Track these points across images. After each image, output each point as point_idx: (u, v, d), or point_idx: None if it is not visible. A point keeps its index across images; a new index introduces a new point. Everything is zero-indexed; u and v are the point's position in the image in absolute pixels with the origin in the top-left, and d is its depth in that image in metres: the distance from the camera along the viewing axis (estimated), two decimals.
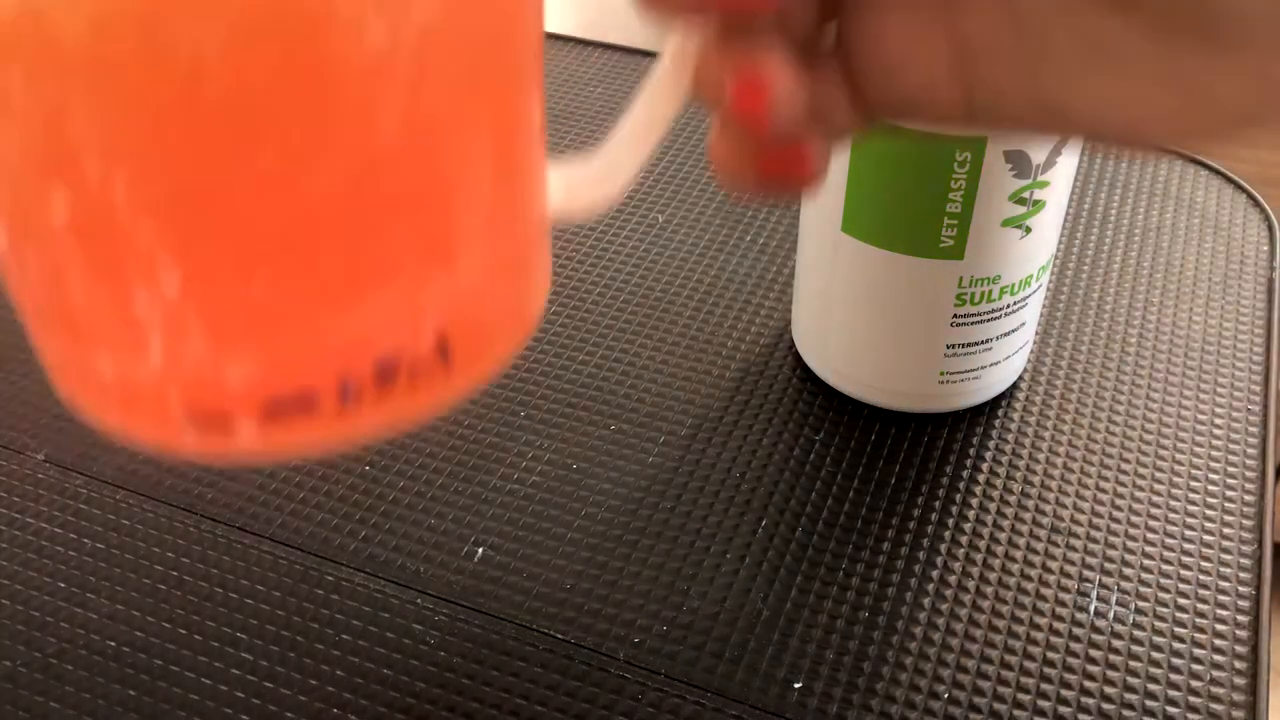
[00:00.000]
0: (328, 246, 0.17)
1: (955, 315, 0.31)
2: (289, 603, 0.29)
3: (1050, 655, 0.28)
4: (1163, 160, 0.46)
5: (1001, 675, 0.27)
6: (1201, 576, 0.29)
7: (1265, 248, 0.41)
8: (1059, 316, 0.38)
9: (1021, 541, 0.30)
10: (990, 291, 0.31)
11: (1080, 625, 0.28)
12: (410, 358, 0.18)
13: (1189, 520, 0.31)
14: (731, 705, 0.27)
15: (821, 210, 0.32)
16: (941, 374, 0.33)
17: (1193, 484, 0.32)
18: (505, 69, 0.18)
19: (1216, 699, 0.27)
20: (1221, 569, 0.30)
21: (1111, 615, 0.29)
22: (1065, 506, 0.31)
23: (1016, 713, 0.26)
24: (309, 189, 0.16)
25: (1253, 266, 0.40)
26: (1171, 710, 0.26)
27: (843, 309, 0.33)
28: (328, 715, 0.26)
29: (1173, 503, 0.31)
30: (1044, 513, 0.31)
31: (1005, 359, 0.33)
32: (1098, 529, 0.31)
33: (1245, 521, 0.31)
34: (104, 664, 0.27)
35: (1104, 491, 0.32)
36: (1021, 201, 0.29)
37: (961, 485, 0.32)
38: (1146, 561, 0.30)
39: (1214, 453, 0.33)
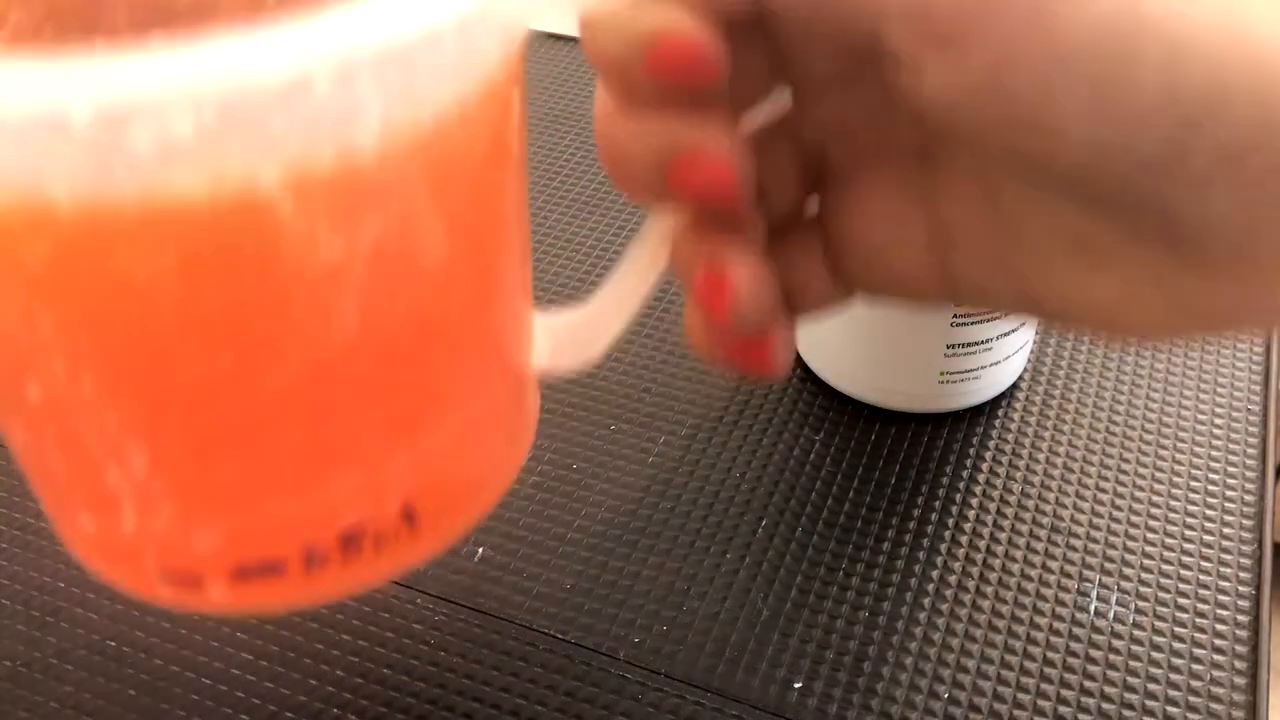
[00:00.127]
0: (288, 434, 0.17)
1: (955, 315, 0.31)
2: None
3: (1050, 655, 0.28)
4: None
5: (1001, 675, 0.27)
6: (1201, 576, 0.29)
7: None
8: None
9: (1021, 541, 0.30)
10: None
11: (1080, 625, 0.28)
12: (375, 527, 0.18)
13: (1189, 520, 0.31)
14: (731, 705, 0.27)
15: None
16: (941, 374, 0.33)
17: (1193, 484, 0.32)
18: (471, 255, 0.18)
19: (1216, 699, 0.27)
20: (1221, 569, 0.30)
21: (1111, 615, 0.29)
22: (1065, 506, 0.31)
23: (1016, 712, 0.26)
24: (267, 386, 0.16)
25: None
26: (1171, 710, 0.26)
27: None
28: (328, 715, 0.26)
29: (1173, 503, 0.31)
30: (1044, 513, 0.31)
31: (1005, 359, 0.33)
32: (1098, 529, 0.31)
33: (1245, 521, 0.31)
34: (104, 664, 0.27)
35: (1104, 491, 0.32)
36: None
37: (961, 485, 0.32)
38: (1146, 561, 0.30)
39: (1214, 453, 0.33)
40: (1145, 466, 0.32)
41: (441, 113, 0.16)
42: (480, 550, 0.30)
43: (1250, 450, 0.33)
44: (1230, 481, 0.32)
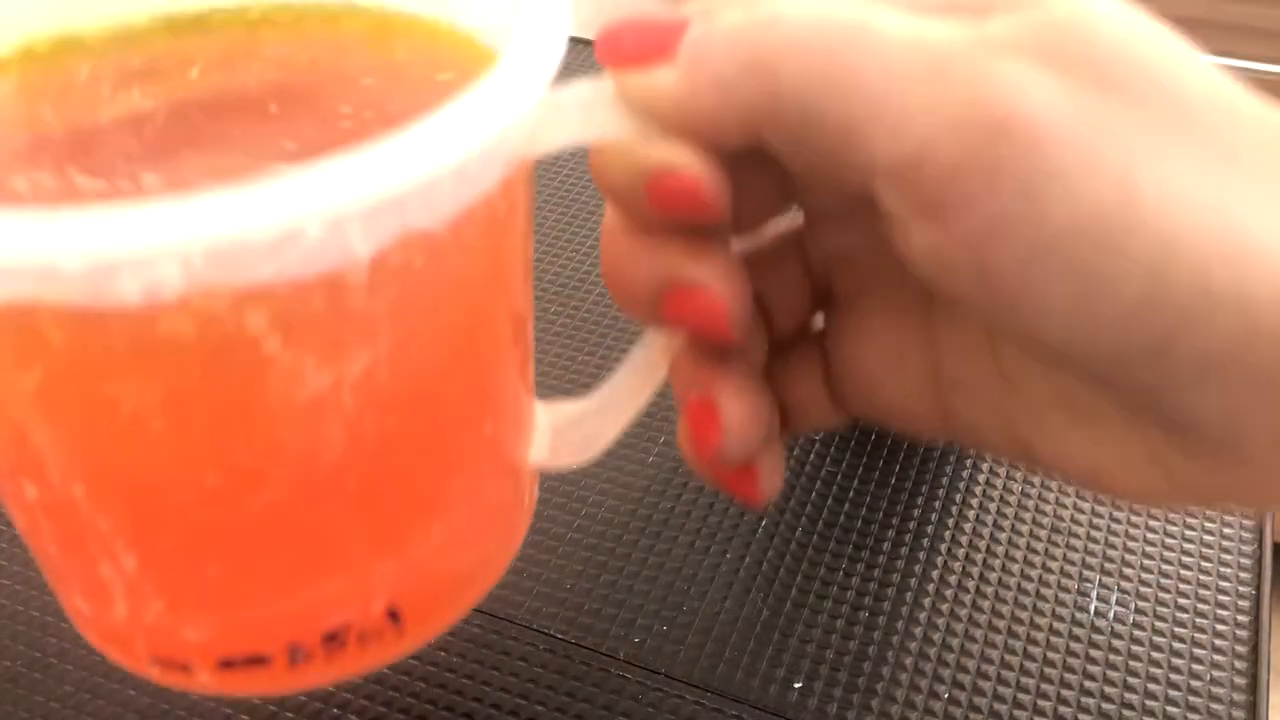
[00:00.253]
0: (273, 545, 0.17)
1: None
2: None
3: (1050, 655, 0.28)
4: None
5: (1002, 675, 0.27)
6: (1201, 576, 0.29)
7: None
8: None
9: (1021, 541, 0.30)
10: None
11: (1080, 625, 0.28)
12: (360, 627, 0.19)
13: (1189, 520, 0.31)
14: (731, 705, 0.27)
15: None
16: None
17: None
18: (467, 371, 0.18)
19: (1216, 699, 0.27)
20: (1221, 569, 0.30)
21: (1111, 615, 0.29)
22: (1065, 506, 0.31)
23: (1016, 713, 0.26)
24: (252, 503, 0.17)
25: None
26: (1171, 710, 0.26)
27: None
28: (328, 715, 0.26)
29: None
30: (1044, 513, 0.31)
31: None
32: (1098, 529, 0.31)
33: (1245, 521, 0.31)
34: (104, 664, 0.27)
35: None
36: None
37: (961, 485, 0.32)
38: (1146, 561, 0.30)
39: None
40: None
41: (435, 243, 0.16)
42: None
43: None
44: None
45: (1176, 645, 0.28)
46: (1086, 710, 0.26)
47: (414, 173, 0.14)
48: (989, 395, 0.19)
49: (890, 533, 0.31)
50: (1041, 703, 0.27)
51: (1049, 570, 0.30)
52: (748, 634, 0.28)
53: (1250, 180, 0.15)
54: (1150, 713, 0.26)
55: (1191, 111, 0.15)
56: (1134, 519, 0.31)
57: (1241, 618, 0.28)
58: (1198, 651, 0.28)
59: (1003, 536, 0.30)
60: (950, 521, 0.31)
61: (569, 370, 0.35)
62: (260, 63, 0.21)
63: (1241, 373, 0.15)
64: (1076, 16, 0.16)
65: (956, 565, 0.30)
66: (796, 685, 0.27)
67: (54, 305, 0.14)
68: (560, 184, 0.43)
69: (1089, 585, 0.29)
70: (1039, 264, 0.15)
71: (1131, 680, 0.27)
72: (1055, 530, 0.31)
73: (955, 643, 0.28)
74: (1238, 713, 0.26)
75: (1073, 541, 0.30)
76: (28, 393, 0.15)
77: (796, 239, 0.21)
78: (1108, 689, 0.27)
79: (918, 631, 0.28)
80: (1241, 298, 0.14)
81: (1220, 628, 0.28)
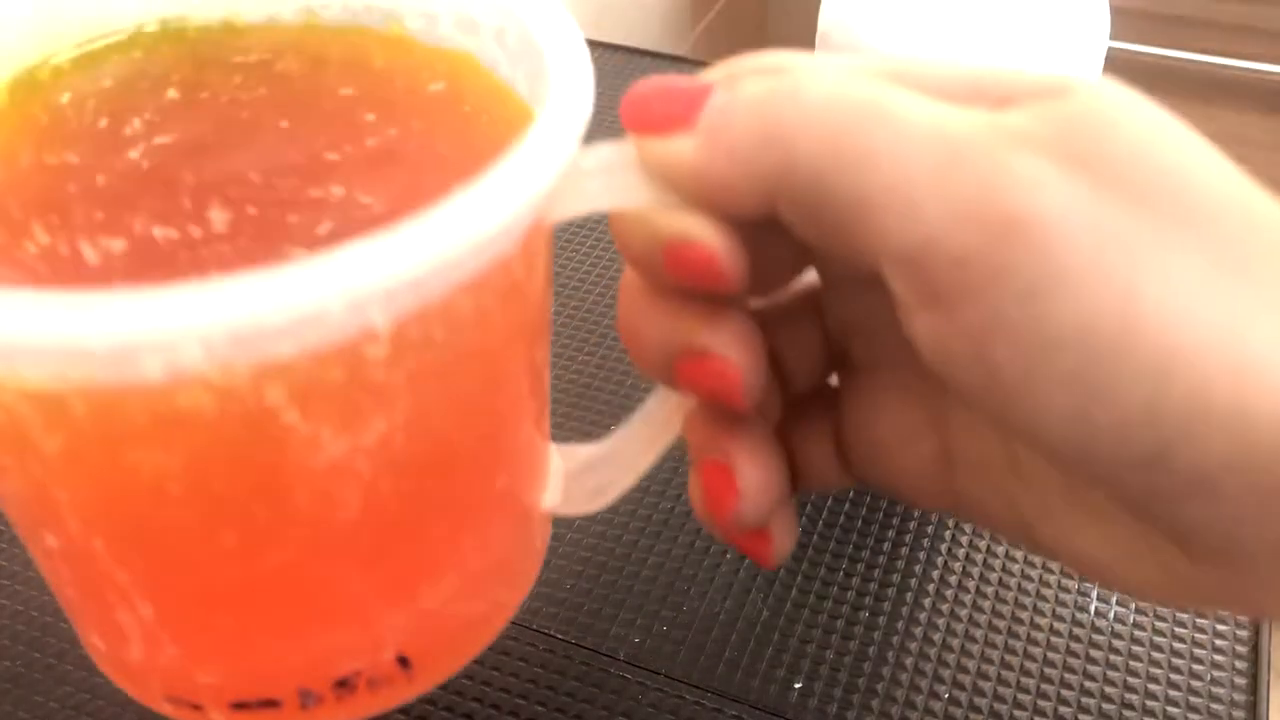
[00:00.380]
0: (286, 598, 0.18)
1: None
2: None
3: (1050, 655, 0.28)
4: None
5: (1002, 675, 0.27)
6: None
7: None
8: None
9: None
10: None
11: (1080, 625, 0.28)
12: (370, 673, 0.19)
13: None
14: (731, 705, 0.27)
15: None
16: None
17: None
18: (483, 430, 0.18)
19: (1216, 699, 0.27)
20: None
21: (1111, 615, 0.29)
22: None
23: (1017, 713, 0.26)
24: (267, 560, 0.17)
25: None
26: (1171, 710, 0.26)
27: None
28: None
29: None
30: None
31: None
32: None
33: None
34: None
35: None
36: None
37: None
38: None
39: None
40: None
41: (454, 312, 0.16)
42: None
43: None
44: None
45: (1176, 645, 0.28)
46: (1086, 710, 0.26)
47: (436, 255, 0.14)
48: (996, 478, 0.19)
49: (890, 533, 0.31)
50: (1041, 703, 0.27)
51: (1049, 570, 0.30)
52: (748, 634, 0.28)
53: (1258, 290, 0.15)
54: (1150, 713, 0.26)
55: (1205, 216, 0.15)
56: None
57: (1241, 618, 0.28)
58: (1198, 651, 0.28)
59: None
60: (950, 521, 0.31)
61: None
62: (276, 83, 0.21)
63: (1240, 485, 0.14)
64: (1097, 112, 0.16)
65: (956, 565, 0.30)
66: (797, 685, 0.27)
67: (78, 381, 0.14)
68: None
69: (1089, 585, 0.29)
70: (1039, 364, 0.15)
71: (1131, 680, 0.27)
72: None
73: (955, 643, 0.28)
74: (1238, 713, 0.26)
75: None
76: (50, 456, 0.15)
77: (815, 299, 0.21)
78: (1108, 689, 0.27)
79: (918, 631, 0.28)
80: (1242, 412, 0.14)
81: (1220, 628, 0.28)
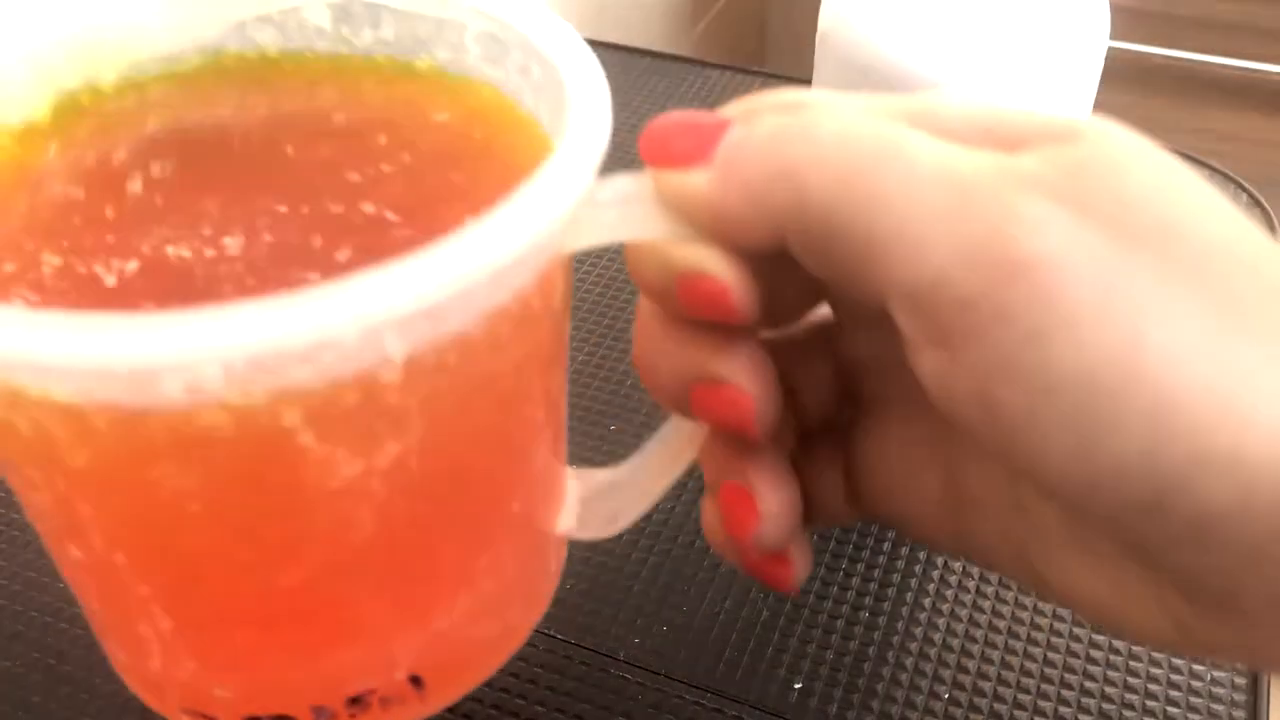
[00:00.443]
0: (301, 616, 0.18)
1: None
2: None
3: (1051, 655, 0.28)
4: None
5: (1002, 675, 0.27)
6: None
7: None
8: None
9: None
10: None
11: (1080, 625, 0.28)
12: (383, 691, 0.19)
13: None
14: (731, 705, 0.27)
15: None
16: None
17: None
18: (497, 454, 0.19)
19: (1217, 699, 0.27)
20: None
21: None
22: None
23: (1017, 713, 0.26)
24: (282, 578, 0.17)
25: None
26: (1172, 710, 0.26)
27: None
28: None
29: None
30: None
31: None
32: None
33: None
34: (103, 665, 0.27)
35: None
36: None
37: None
38: None
39: None
40: None
41: (469, 342, 0.16)
42: None
43: None
44: None
45: None
46: (1087, 710, 0.26)
47: (452, 283, 0.14)
48: (1003, 520, 0.19)
49: (890, 533, 0.31)
50: (1042, 703, 0.27)
51: None
52: (748, 634, 0.28)
53: (1260, 341, 0.15)
54: (1150, 713, 0.26)
55: (1209, 264, 0.15)
56: None
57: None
58: None
59: None
60: None
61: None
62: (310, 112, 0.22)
63: (1237, 533, 0.15)
64: (1106, 158, 0.16)
65: (957, 565, 0.30)
66: (797, 686, 0.27)
67: (102, 399, 0.14)
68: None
69: None
70: (1041, 406, 0.15)
71: (1131, 680, 0.27)
72: None
73: (956, 643, 0.28)
74: (1238, 713, 0.26)
75: None
76: (74, 471, 0.16)
77: (828, 332, 0.21)
78: (1108, 689, 0.27)
79: (918, 632, 0.28)
80: (1239, 461, 0.14)
81: None
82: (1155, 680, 0.27)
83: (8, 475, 0.18)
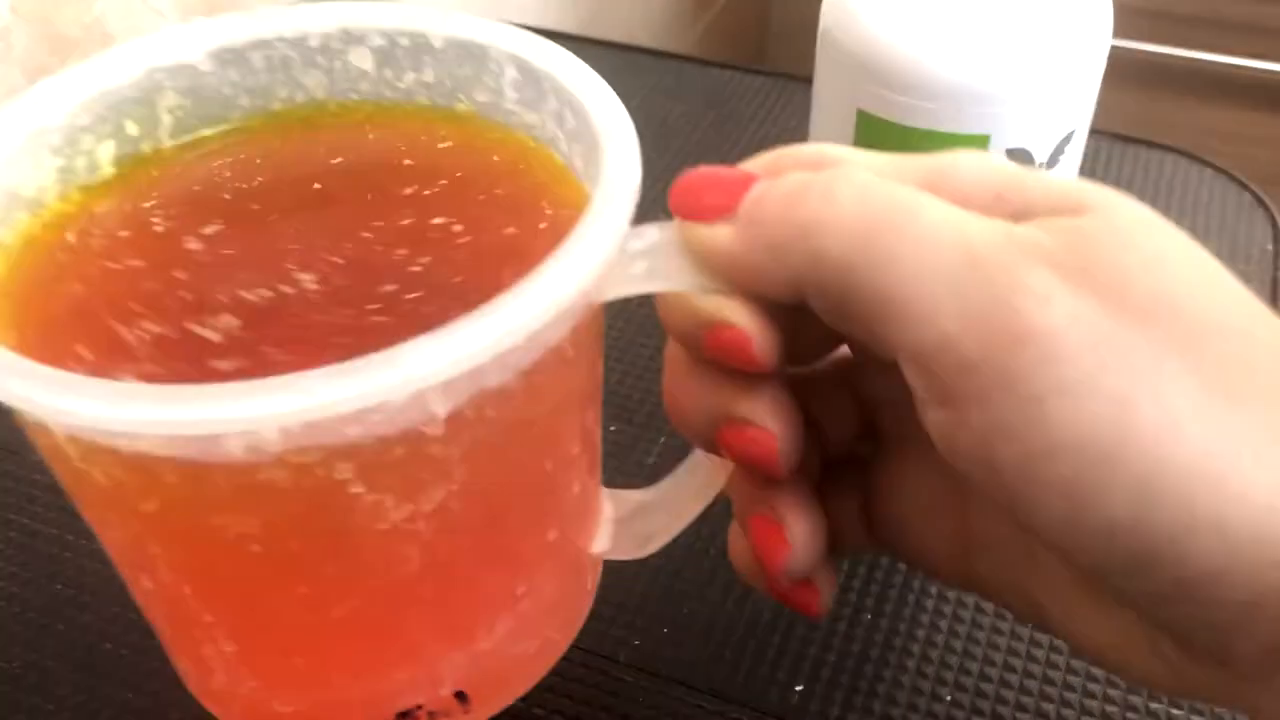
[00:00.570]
0: (354, 642, 0.20)
1: None
2: None
3: (1053, 657, 0.28)
4: (1167, 157, 0.45)
5: (1004, 677, 0.27)
6: None
7: (1269, 247, 0.41)
8: None
9: None
10: None
11: None
12: (430, 706, 0.21)
13: None
14: (731, 706, 0.27)
15: None
16: None
17: None
18: (537, 487, 0.20)
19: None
20: None
21: None
22: None
23: (1019, 715, 0.26)
24: (335, 609, 0.19)
25: (1257, 266, 0.40)
26: (1173, 711, 0.26)
27: None
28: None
29: None
30: None
31: None
32: None
33: None
34: (103, 665, 0.27)
35: None
36: None
37: None
38: None
39: None
40: None
41: (508, 394, 0.17)
42: None
43: None
44: None
45: None
46: (1089, 713, 0.26)
47: (491, 349, 0.15)
48: (1011, 562, 0.20)
49: None
50: (1044, 705, 0.26)
51: None
52: (748, 636, 0.28)
53: (1247, 413, 0.15)
54: (1152, 714, 0.26)
55: (1204, 338, 0.16)
56: None
57: None
58: None
59: None
60: None
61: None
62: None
63: (1221, 594, 0.15)
64: (1111, 231, 0.16)
65: None
66: (797, 688, 0.27)
67: (173, 456, 0.16)
68: None
69: None
70: (1037, 469, 0.16)
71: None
72: None
73: (957, 644, 0.28)
74: (1240, 715, 0.26)
75: None
76: (146, 515, 0.18)
77: (850, 367, 0.22)
78: (1110, 690, 0.27)
79: (919, 634, 0.28)
80: (1221, 528, 0.15)
81: None
82: None
83: (84, 513, 0.19)
